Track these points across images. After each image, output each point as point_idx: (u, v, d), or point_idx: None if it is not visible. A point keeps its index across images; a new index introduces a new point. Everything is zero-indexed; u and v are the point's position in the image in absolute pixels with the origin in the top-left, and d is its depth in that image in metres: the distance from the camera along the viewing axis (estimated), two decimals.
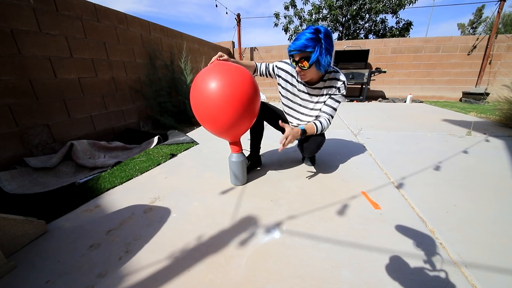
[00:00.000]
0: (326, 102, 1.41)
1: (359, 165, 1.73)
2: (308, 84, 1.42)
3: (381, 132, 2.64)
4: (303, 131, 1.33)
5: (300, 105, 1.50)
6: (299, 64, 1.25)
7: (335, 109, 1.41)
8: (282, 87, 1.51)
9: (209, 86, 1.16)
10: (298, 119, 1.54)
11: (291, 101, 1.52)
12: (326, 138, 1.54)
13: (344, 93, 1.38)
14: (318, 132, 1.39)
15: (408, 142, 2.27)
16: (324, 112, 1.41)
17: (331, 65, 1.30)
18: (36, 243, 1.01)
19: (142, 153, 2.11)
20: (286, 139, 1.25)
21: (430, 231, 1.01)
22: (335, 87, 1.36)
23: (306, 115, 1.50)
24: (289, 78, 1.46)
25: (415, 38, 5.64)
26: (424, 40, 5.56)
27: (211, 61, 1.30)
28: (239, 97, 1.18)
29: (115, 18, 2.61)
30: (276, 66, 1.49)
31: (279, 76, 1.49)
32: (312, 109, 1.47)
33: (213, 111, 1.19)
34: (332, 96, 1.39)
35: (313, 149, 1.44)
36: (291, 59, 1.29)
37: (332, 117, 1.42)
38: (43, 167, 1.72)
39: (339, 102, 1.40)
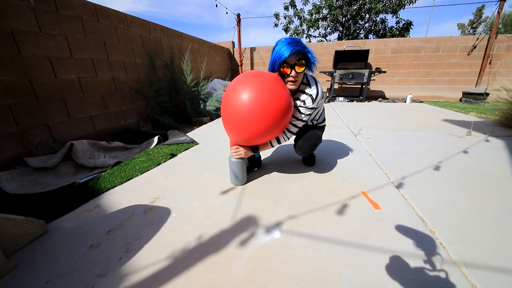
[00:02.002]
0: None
1: (359, 165, 1.73)
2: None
3: (381, 132, 2.64)
4: (255, 147, 1.43)
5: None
6: (296, 69, 1.21)
7: (297, 119, 1.37)
8: None
9: (249, 97, 1.15)
10: (294, 125, 1.51)
11: None
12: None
13: (311, 106, 1.33)
14: (274, 146, 1.44)
15: (408, 142, 2.27)
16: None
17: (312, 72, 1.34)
18: (36, 243, 1.01)
19: (142, 153, 2.11)
20: (235, 149, 1.39)
21: (430, 231, 1.01)
22: (300, 100, 1.35)
23: (299, 120, 1.48)
24: None
25: (415, 38, 5.63)
26: (424, 40, 5.55)
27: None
28: (275, 111, 1.18)
29: (115, 18, 2.61)
30: None
31: None
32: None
33: (246, 122, 1.19)
34: (298, 107, 1.36)
35: (307, 149, 1.46)
36: (283, 66, 1.22)
37: (296, 126, 1.39)
38: (43, 167, 1.72)
39: (303, 113, 1.36)
